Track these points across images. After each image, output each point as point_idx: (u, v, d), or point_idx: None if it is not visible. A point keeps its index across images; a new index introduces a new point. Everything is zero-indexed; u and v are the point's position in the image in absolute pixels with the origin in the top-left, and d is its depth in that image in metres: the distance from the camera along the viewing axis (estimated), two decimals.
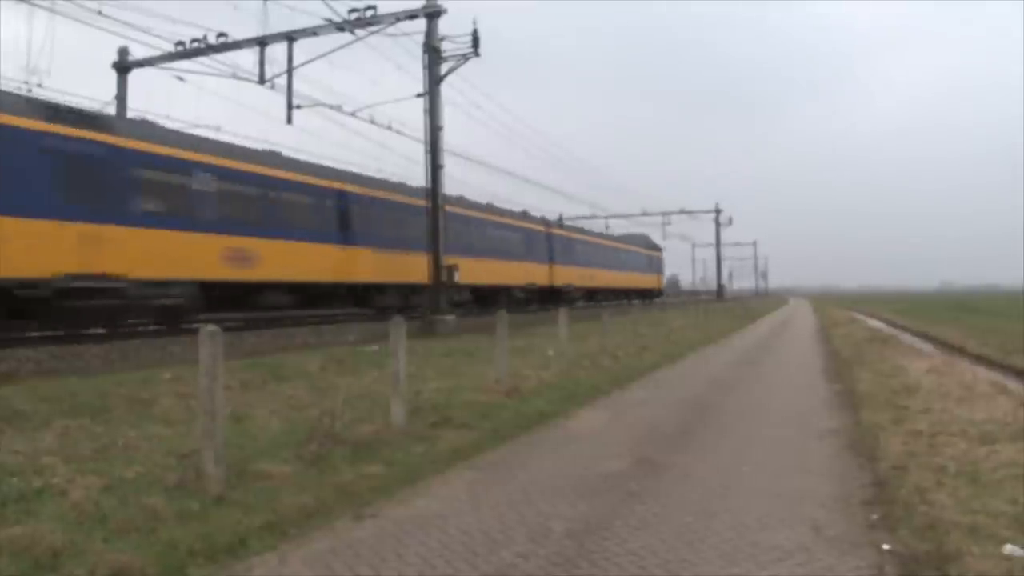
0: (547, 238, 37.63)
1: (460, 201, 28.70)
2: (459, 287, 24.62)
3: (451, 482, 5.56)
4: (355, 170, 23.96)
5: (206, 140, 18.07)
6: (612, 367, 13.10)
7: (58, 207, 13.39)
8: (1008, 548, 3.91)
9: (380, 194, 23.95)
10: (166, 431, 6.63)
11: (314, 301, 20.86)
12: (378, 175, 25.22)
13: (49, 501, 4.52)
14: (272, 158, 19.87)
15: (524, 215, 36.76)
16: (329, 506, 4.81)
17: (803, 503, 4.93)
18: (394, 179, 25.83)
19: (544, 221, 39.02)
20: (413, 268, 22.29)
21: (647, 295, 55.98)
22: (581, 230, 46.15)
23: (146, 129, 16.66)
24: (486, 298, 29.05)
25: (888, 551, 4.02)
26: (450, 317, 20.65)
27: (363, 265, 22.24)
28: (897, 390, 9.80)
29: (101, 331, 14.82)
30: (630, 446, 6.83)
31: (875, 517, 4.63)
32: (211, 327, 4.92)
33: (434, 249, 20.81)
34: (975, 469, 5.49)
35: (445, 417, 7.59)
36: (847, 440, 7.09)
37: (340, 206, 21.91)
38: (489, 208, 32.05)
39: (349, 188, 22.39)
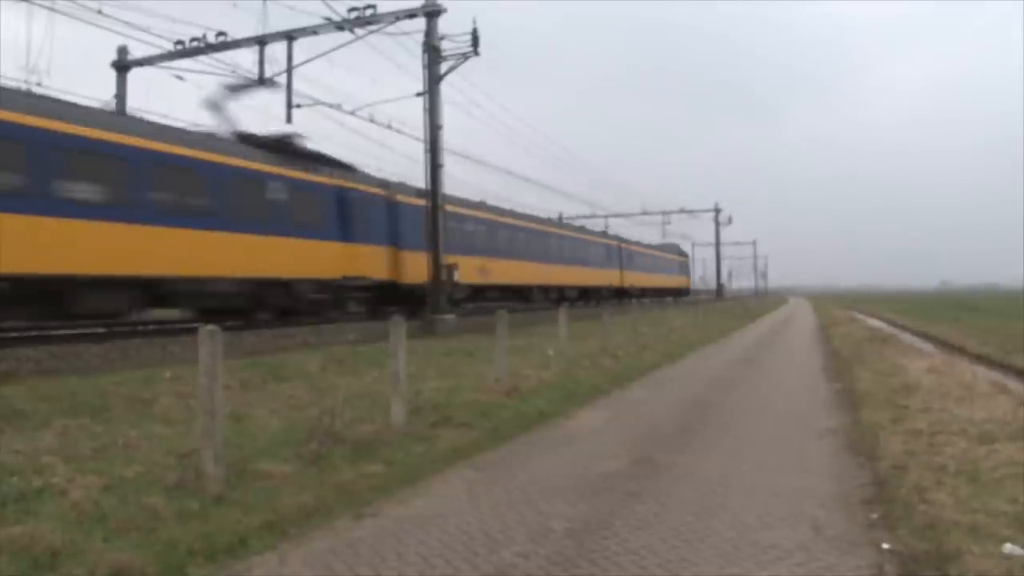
0: (619, 250, 49.99)
1: (566, 225, 44.64)
2: (571, 287, 39.63)
3: (451, 481, 5.56)
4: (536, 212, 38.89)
5: (466, 200, 28.85)
6: (612, 367, 13.10)
7: (420, 244, 22.25)
8: (1008, 547, 3.91)
9: (562, 231, 40.53)
10: (166, 430, 6.62)
11: (520, 297, 32.70)
12: (525, 210, 38.76)
13: (49, 501, 4.52)
14: (483, 206, 30.84)
15: (604, 233, 51.10)
16: (329, 505, 4.81)
17: (803, 502, 4.93)
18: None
19: (616, 237, 52.11)
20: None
21: (679, 294, 68.80)
22: (638, 243, 57.70)
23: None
24: (589, 295, 42.53)
25: (888, 550, 4.02)
26: (450, 316, 20.65)
27: (556, 274, 37.04)
28: (897, 389, 9.79)
29: (101, 330, 14.97)
30: (630, 445, 6.83)
31: (875, 516, 4.63)
32: (210, 327, 4.91)
33: (433, 249, 20.82)
34: (975, 468, 5.49)
35: (445, 416, 7.59)
36: (847, 439, 7.09)
37: (537, 239, 35.28)
38: (583, 230, 46.51)
39: (546, 228, 37.70)
